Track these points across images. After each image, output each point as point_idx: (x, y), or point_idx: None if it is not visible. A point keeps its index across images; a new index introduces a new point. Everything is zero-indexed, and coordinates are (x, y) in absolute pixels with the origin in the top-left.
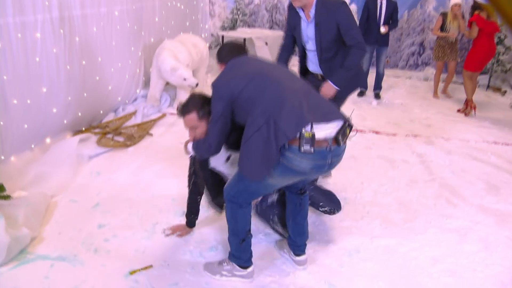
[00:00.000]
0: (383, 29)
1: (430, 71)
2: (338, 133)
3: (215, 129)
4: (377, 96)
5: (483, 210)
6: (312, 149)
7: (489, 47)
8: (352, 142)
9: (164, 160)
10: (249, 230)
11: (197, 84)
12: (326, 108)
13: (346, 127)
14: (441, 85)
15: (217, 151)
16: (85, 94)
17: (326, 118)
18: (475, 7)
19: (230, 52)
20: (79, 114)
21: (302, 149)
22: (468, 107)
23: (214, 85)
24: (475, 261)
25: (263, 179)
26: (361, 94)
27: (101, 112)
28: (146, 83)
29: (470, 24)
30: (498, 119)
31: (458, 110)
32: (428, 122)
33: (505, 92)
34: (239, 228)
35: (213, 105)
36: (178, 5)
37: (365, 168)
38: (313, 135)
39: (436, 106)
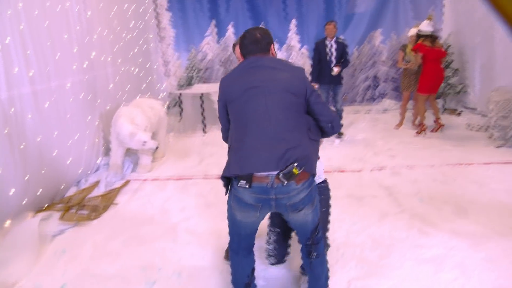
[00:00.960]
0: (335, 70)
1: (387, 102)
2: (280, 172)
3: (221, 124)
4: (338, 134)
5: (455, 235)
6: (248, 185)
7: (435, 72)
8: None
9: (130, 229)
10: (249, 284)
11: (157, 147)
12: (276, 155)
13: (292, 168)
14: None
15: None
16: (43, 171)
17: (267, 167)
18: (419, 36)
19: (250, 45)
20: (39, 191)
21: (239, 184)
22: (421, 128)
23: (221, 81)
24: None
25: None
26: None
27: (63, 186)
28: (107, 151)
29: (415, 52)
30: (458, 140)
31: (416, 133)
32: (391, 153)
33: (460, 112)
34: (235, 279)
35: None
36: (132, 69)
37: (335, 210)
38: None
39: (398, 136)
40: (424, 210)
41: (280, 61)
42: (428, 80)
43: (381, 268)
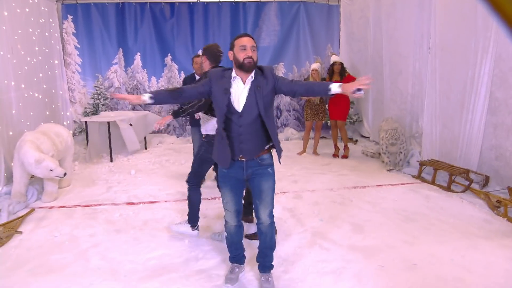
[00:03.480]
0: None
1: (290, 131)
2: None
3: None
4: None
5: (352, 249)
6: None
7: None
8: None
9: (37, 257)
10: None
11: (65, 174)
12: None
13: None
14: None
15: None
16: None
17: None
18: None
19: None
20: None
21: None
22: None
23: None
24: None
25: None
26: None
27: None
28: (9, 179)
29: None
30: (354, 165)
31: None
32: (294, 178)
33: (357, 141)
34: None
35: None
36: (36, 95)
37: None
38: None
39: (300, 163)
40: (325, 229)
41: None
42: (334, 107)
43: (287, 281)
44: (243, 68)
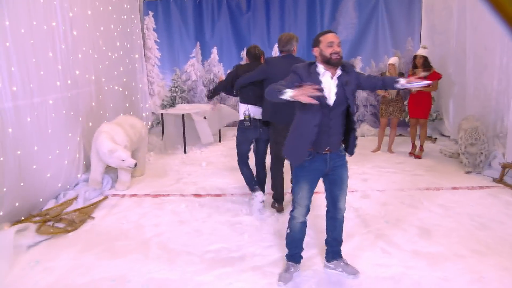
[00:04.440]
0: None
1: (365, 127)
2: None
3: None
4: None
5: (416, 255)
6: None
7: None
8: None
9: (104, 242)
10: None
11: (135, 165)
12: None
13: None
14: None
15: None
16: (22, 184)
17: None
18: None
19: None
20: (17, 204)
21: None
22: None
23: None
24: None
25: None
26: None
27: (41, 199)
28: (87, 167)
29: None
30: (430, 165)
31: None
32: (364, 177)
33: (435, 139)
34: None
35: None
36: (116, 87)
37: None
38: None
39: (373, 161)
40: (389, 232)
41: None
42: (427, 104)
43: (340, 285)
44: (331, 63)
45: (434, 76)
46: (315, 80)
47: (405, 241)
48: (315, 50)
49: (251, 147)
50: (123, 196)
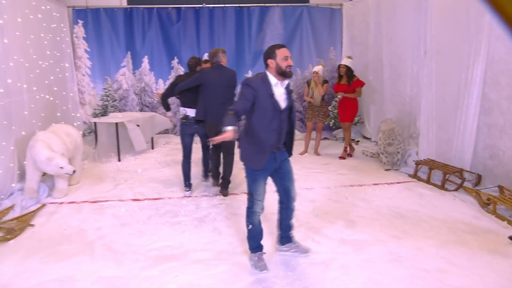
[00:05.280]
0: None
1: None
2: None
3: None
4: None
5: (343, 242)
6: None
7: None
8: (224, 208)
9: (48, 248)
10: None
11: (74, 171)
12: None
13: None
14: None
15: None
16: None
17: None
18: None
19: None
20: None
21: None
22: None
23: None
24: (337, 284)
25: None
26: None
27: None
28: (22, 176)
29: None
30: (354, 165)
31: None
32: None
33: (358, 141)
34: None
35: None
36: (47, 96)
37: (239, 225)
38: None
39: (301, 162)
40: (319, 224)
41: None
42: (352, 109)
43: (279, 270)
44: (286, 75)
45: (357, 84)
46: (268, 89)
47: (333, 231)
48: (270, 62)
49: (192, 141)
50: (62, 203)
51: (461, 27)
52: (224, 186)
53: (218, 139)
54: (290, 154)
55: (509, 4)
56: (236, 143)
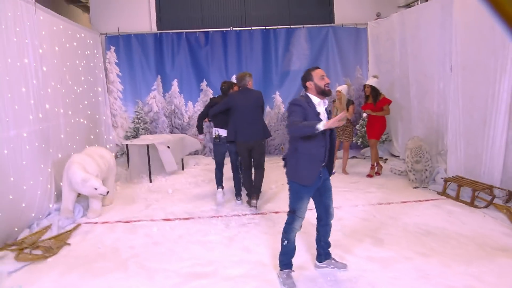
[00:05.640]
0: None
1: None
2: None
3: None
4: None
5: (370, 260)
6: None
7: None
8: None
9: (83, 265)
10: None
11: (108, 192)
12: None
13: None
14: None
15: None
16: None
17: None
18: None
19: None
20: None
21: None
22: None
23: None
24: None
25: None
26: None
27: (16, 229)
28: (58, 197)
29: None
30: (382, 183)
31: (368, 175)
32: None
33: (386, 159)
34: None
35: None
36: (82, 120)
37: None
38: None
39: None
40: (346, 242)
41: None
42: (379, 127)
43: (315, 283)
44: (325, 93)
45: (383, 102)
46: (313, 109)
47: (361, 249)
48: (309, 84)
49: (224, 158)
50: (96, 223)
51: (486, 42)
52: (254, 193)
53: (334, 120)
54: (330, 173)
55: (509, 4)
56: (282, 163)
